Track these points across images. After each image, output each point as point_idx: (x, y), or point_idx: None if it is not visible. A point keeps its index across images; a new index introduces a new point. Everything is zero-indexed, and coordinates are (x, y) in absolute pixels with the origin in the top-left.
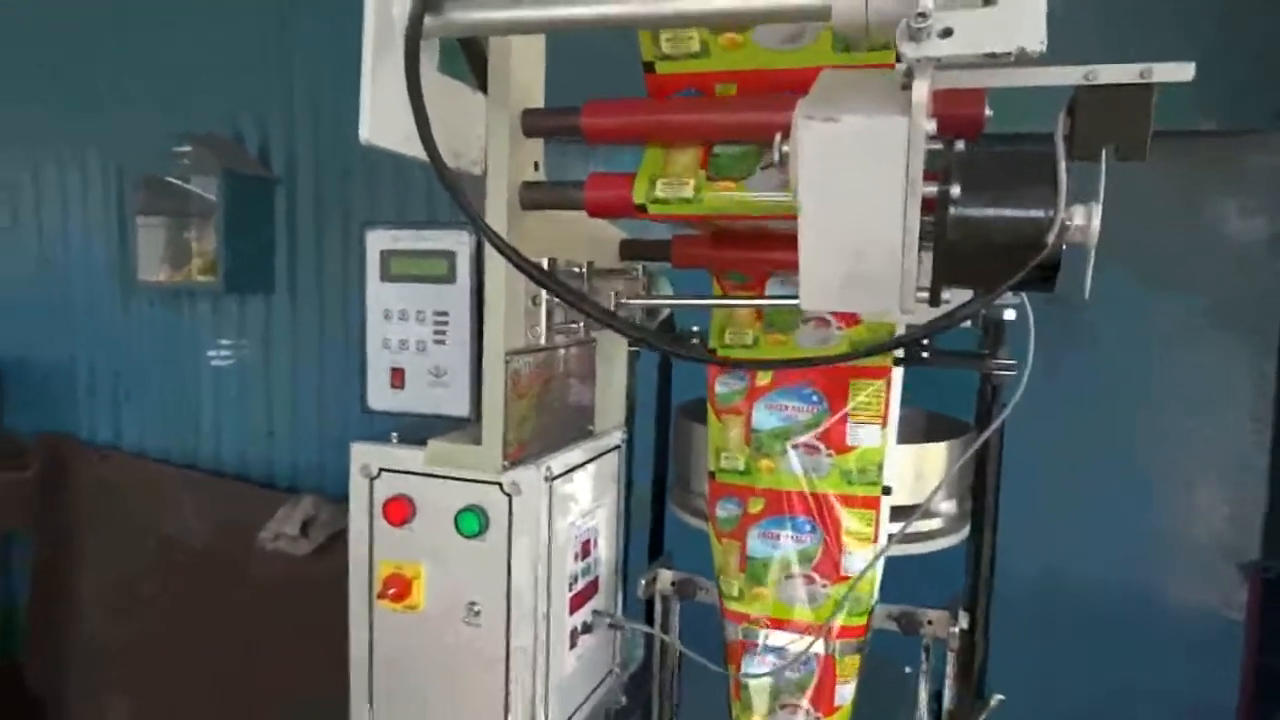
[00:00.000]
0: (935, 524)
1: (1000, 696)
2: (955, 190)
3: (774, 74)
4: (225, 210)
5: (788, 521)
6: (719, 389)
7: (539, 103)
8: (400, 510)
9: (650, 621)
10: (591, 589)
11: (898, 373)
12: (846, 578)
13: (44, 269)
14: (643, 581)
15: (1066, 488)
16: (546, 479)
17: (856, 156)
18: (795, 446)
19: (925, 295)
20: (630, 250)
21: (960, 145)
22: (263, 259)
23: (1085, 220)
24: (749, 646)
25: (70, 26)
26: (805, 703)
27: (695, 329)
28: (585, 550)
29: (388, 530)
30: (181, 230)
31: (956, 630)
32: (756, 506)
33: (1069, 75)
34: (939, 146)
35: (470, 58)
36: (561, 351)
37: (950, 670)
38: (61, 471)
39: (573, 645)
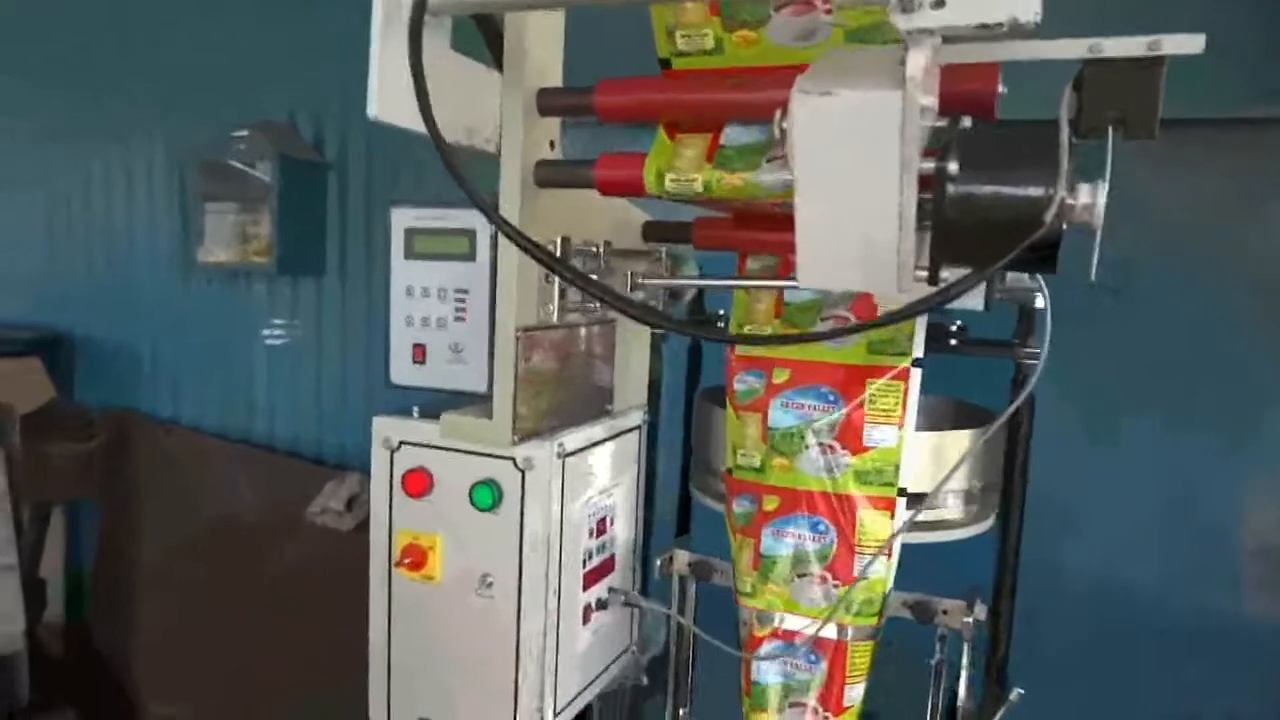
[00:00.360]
0: (957, 513)
1: (1020, 690)
2: (953, 167)
3: (788, 70)
4: (279, 194)
5: (802, 520)
6: (738, 386)
7: (556, 82)
8: (418, 482)
9: (668, 602)
10: (607, 566)
11: (915, 374)
12: (861, 579)
13: (112, 251)
14: (659, 562)
15: (1117, 482)
16: (559, 455)
17: (852, 131)
18: (810, 446)
19: (924, 275)
20: (653, 232)
21: (967, 122)
22: (314, 242)
23: (1090, 199)
24: (760, 641)
25: (140, 18)
26: (814, 701)
27: (721, 312)
28: (601, 528)
29: (406, 501)
30: (238, 213)
31: (970, 620)
32: (771, 504)
33: (1073, 48)
34: (943, 124)
35: (486, 36)
36: (579, 330)
37: (966, 661)
38: (125, 444)
39: (586, 621)
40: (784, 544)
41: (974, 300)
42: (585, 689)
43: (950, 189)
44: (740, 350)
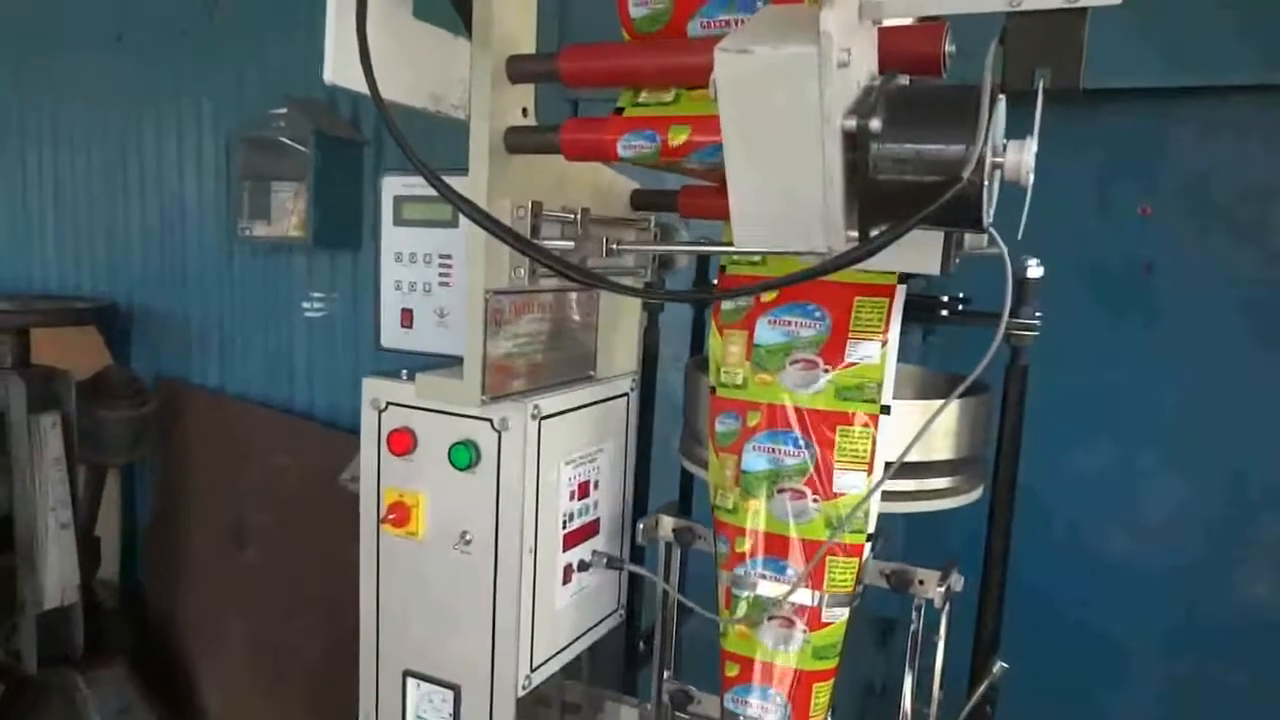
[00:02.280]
0: (944, 482)
1: (1003, 664)
2: (875, 124)
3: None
4: (316, 171)
5: (782, 436)
6: (725, 306)
7: (529, 49)
8: (403, 442)
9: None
10: (590, 529)
11: (901, 290)
12: (839, 495)
13: (163, 225)
14: (642, 525)
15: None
16: (534, 417)
17: (771, 89)
18: (794, 362)
19: (855, 235)
20: (640, 200)
21: (905, 80)
22: (350, 217)
23: (1018, 156)
24: (740, 559)
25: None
26: (794, 614)
27: (715, 282)
28: (583, 491)
29: (392, 460)
30: (278, 189)
31: (944, 590)
32: (754, 420)
33: (994, 2)
34: (877, 83)
35: (456, 3)
36: (557, 296)
37: (942, 632)
38: (177, 412)
39: (566, 581)
40: (765, 459)
41: (930, 263)
42: (566, 647)
43: (874, 147)
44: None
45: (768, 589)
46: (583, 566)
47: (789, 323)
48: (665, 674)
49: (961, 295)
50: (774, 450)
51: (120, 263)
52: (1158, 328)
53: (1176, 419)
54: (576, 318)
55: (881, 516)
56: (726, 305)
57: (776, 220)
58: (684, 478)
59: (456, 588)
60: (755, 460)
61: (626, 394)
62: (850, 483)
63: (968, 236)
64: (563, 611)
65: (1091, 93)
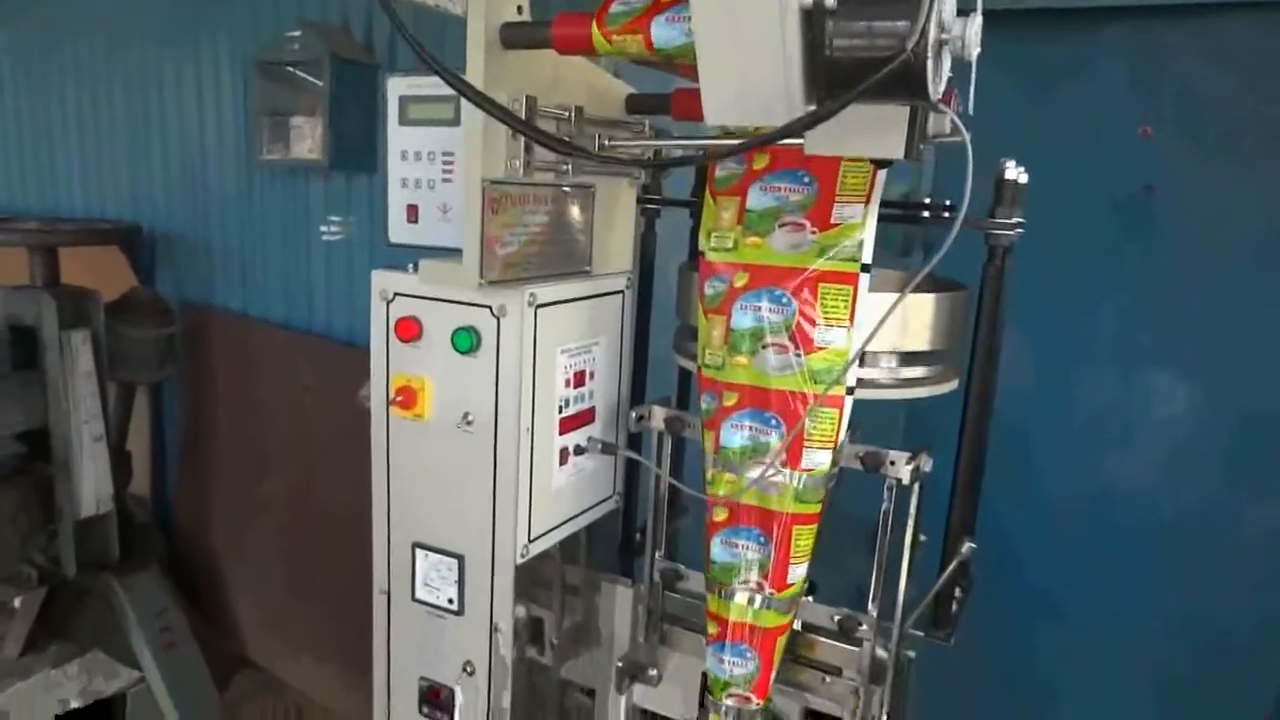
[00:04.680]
0: (922, 371)
1: (972, 545)
2: (830, 1)
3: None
4: (330, 94)
5: (767, 294)
6: (719, 172)
7: None
8: (409, 329)
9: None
10: (586, 417)
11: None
12: (820, 349)
13: (183, 152)
14: (635, 415)
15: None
16: (531, 304)
17: None
18: (784, 225)
19: (813, 109)
20: (635, 104)
21: None
22: (365, 140)
23: (962, 30)
24: (727, 413)
25: None
26: (778, 462)
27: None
28: (579, 380)
29: (400, 347)
30: (294, 112)
31: (912, 467)
32: (741, 280)
33: None
34: None
35: None
36: (553, 191)
37: (912, 512)
38: (201, 334)
39: (563, 463)
40: (751, 316)
41: (894, 147)
42: (562, 524)
43: (828, 24)
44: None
45: (753, 439)
46: (578, 451)
47: (779, 188)
48: (657, 555)
49: (948, 202)
50: (759, 308)
51: (143, 191)
52: (1159, 249)
53: (1180, 341)
54: (571, 214)
55: (856, 409)
56: (720, 172)
57: (742, 98)
58: (680, 378)
59: (460, 465)
60: (742, 318)
61: (622, 291)
62: (831, 337)
63: (932, 122)
64: (559, 491)
65: (1092, 11)
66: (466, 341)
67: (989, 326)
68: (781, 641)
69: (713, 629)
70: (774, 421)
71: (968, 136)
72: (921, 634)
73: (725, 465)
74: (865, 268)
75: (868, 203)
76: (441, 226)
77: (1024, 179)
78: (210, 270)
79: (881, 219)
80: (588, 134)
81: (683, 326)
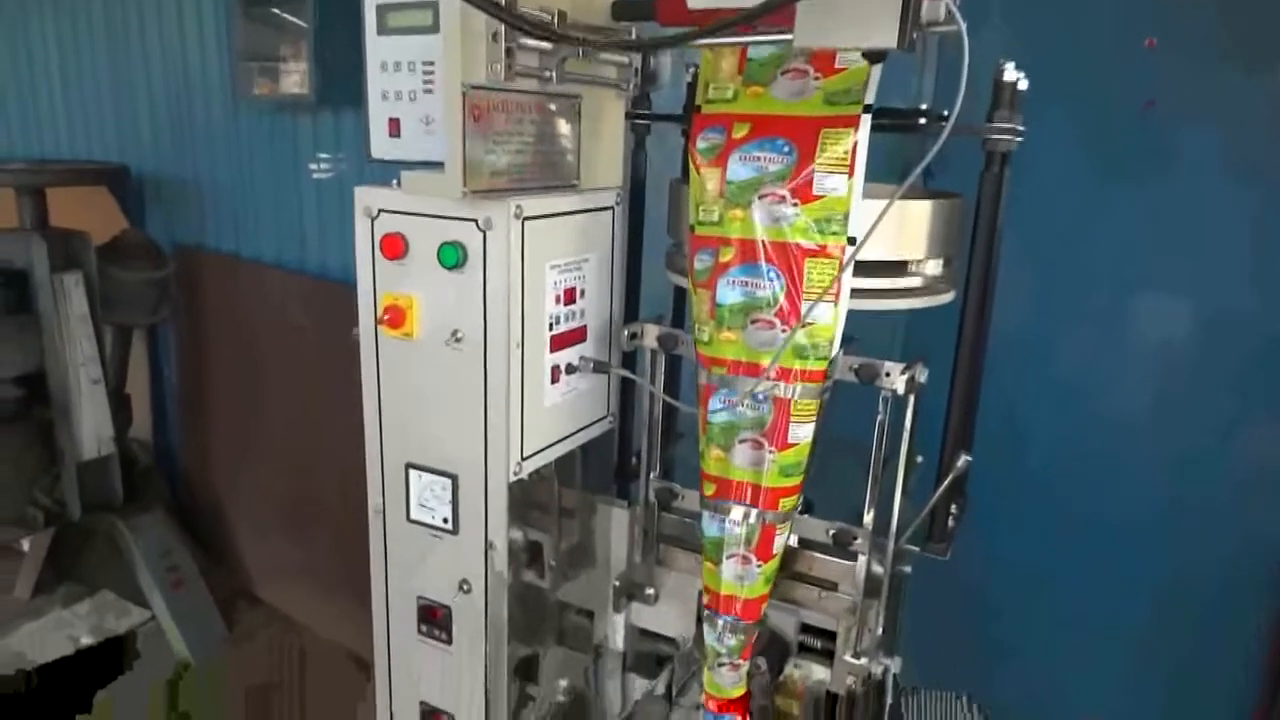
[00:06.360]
0: (916, 281)
1: (968, 458)
2: None
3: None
4: (315, 29)
5: (754, 269)
6: (700, 144)
7: None
8: (394, 246)
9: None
10: (578, 335)
11: (865, 120)
12: (808, 325)
13: (167, 90)
14: (627, 333)
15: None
16: (517, 217)
17: None
18: (763, 196)
19: None
20: (621, 11)
21: None
22: (352, 73)
23: None
24: (715, 389)
25: None
26: (761, 437)
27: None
28: (569, 298)
29: (386, 265)
30: (278, 45)
31: (907, 378)
32: (727, 255)
33: None
34: None
35: None
36: (537, 100)
37: (908, 425)
38: (193, 277)
39: (555, 381)
40: (738, 292)
41: (887, 36)
42: (556, 443)
43: None
44: (706, 110)
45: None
46: (570, 369)
47: (758, 158)
48: (652, 475)
49: (945, 112)
50: (746, 283)
51: (129, 131)
52: (1157, 167)
53: (1179, 260)
54: (557, 126)
55: (852, 324)
56: (702, 144)
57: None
58: (675, 296)
59: (450, 383)
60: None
61: (612, 207)
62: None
63: (926, 8)
64: (552, 409)
65: None
66: (453, 256)
67: (986, 236)
68: (785, 503)
69: (709, 489)
70: (760, 396)
71: (963, 25)
72: (917, 549)
73: (721, 323)
74: (851, 240)
75: (851, 173)
76: (425, 139)
77: (1024, 84)
78: (201, 212)
79: (877, 129)
80: (572, 39)
81: (676, 241)
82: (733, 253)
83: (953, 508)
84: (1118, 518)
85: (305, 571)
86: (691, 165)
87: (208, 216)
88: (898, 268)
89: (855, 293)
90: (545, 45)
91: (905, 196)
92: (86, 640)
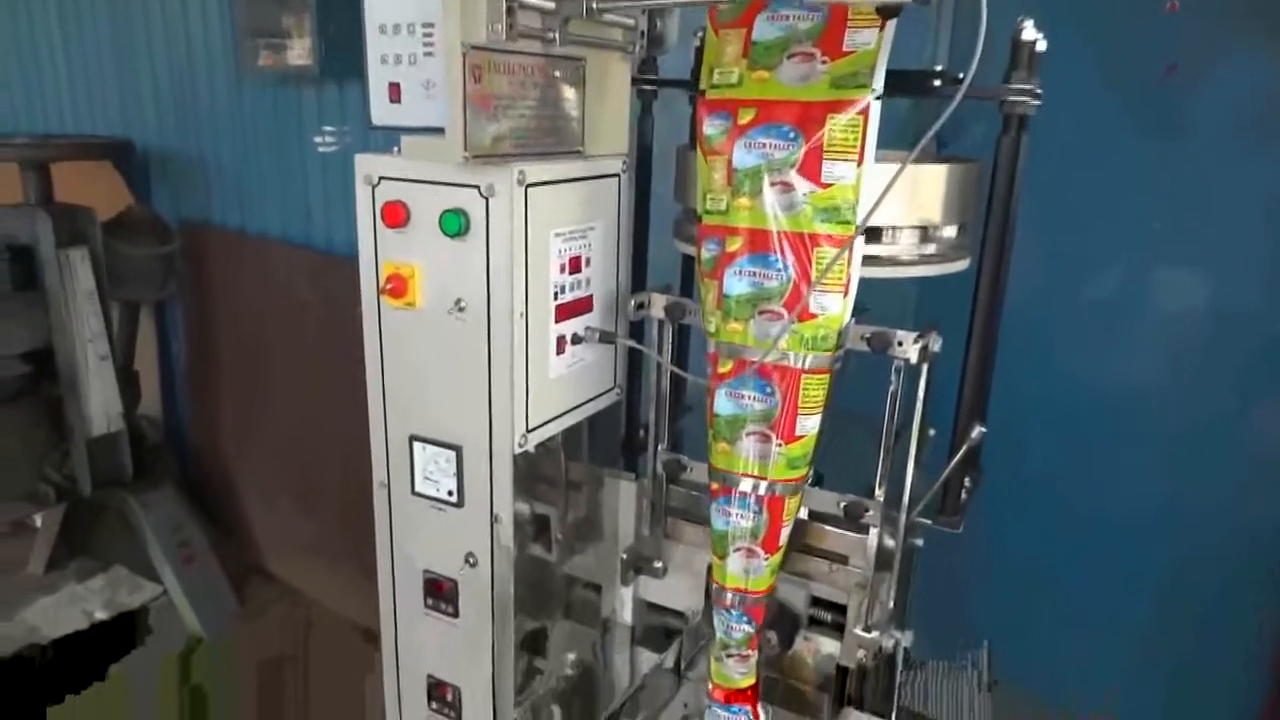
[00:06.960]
0: (931, 248)
1: (982, 429)
2: None
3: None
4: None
5: (761, 259)
6: (707, 130)
7: None
8: (396, 214)
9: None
10: (584, 305)
11: (875, 107)
12: (814, 316)
13: (170, 64)
14: (634, 303)
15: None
16: (520, 183)
17: None
18: (772, 185)
19: None
20: None
21: None
22: (356, 44)
23: None
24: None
25: None
26: (769, 430)
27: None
28: (575, 266)
29: (387, 233)
30: (282, 16)
31: (920, 346)
32: (734, 245)
33: None
34: None
35: None
36: (540, 62)
37: (921, 394)
38: (200, 253)
39: (560, 352)
40: (745, 283)
41: None
42: (562, 414)
43: None
44: (711, 94)
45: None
46: (576, 340)
47: (764, 145)
48: (660, 447)
49: (960, 74)
50: (752, 274)
51: (132, 106)
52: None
53: (1197, 229)
54: (561, 90)
55: (862, 291)
56: (709, 130)
57: None
58: (683, 265)
59: (454, 354)
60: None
61: (618, 175)
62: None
63: None
64: (558, 380)
65: None
66: (455, 224)
67: (1003, 202)
68: (791, 504)
69: (715, 483)
70: (768, 388)
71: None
72: (929, 522)
73: (728, 314)
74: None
75: (860, 161)
76: (426, 104)
77: (1043, 45)
78: (206, 187)
79: (890, 92)
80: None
81: (683, 210)
82: (740, 242)
83: (966, 480)
84: (1119, 514)
85: (314, 545)
86: (699, 152)
87: (213, 191)
88: (913, 233)
89: (868, 259)
90: (547, 4)
91: (918, 161)
92: (100, 615)
